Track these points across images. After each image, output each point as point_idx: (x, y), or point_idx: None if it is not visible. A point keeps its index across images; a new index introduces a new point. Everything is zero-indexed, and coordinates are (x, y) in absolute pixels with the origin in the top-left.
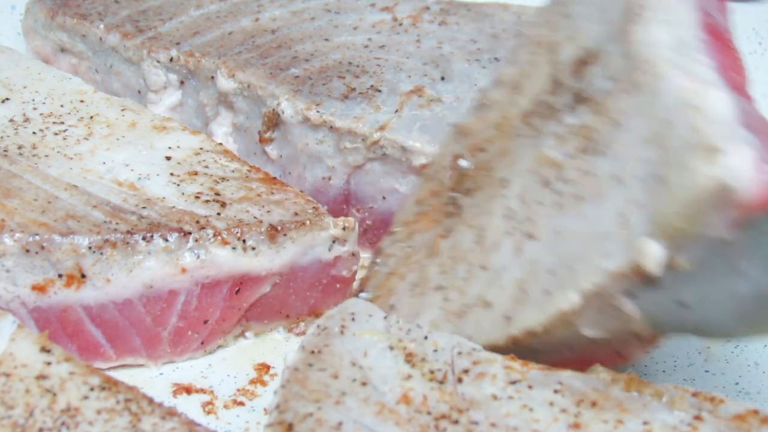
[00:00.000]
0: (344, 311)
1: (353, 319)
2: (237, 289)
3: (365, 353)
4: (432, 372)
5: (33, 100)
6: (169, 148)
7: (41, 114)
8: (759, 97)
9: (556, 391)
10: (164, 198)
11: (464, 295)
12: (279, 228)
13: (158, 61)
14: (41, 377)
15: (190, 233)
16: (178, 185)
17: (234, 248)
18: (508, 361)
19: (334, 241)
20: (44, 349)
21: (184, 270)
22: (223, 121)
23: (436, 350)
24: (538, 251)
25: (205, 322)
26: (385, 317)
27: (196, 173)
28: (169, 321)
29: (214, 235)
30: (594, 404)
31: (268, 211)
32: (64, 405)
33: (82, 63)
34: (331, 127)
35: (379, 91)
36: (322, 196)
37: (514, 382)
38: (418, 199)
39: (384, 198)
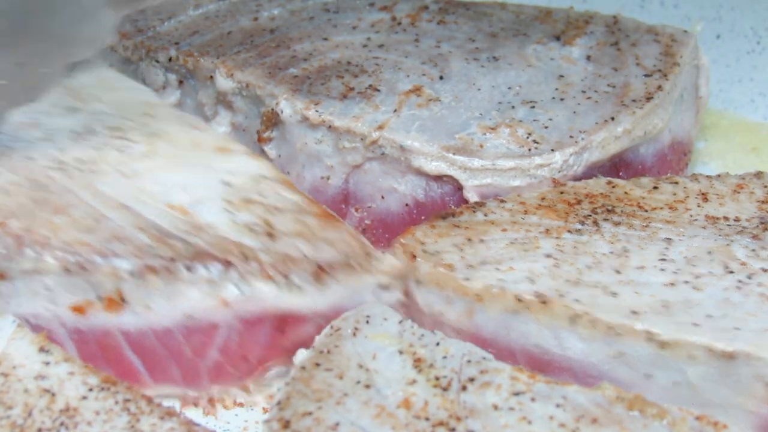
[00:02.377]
0: (360, 313)
1: (368, 322)
2: (280, 327)
3: (374, 356)
4: (437, 378)
5: (101, 111)
6: (229, 172)
7: (106, 127)
8: (757, 96)
9: (558, 405)
10: (214, 226)
11: (581, 274)
12: (325, 268)
13: (157, 61)
14: (40, 377)
15: (234, 265)
16: (231, 213)
17: (277, 284)
18: (516, 372)
19: (381, 287)
20: (43, 349)
21: (225, 302)
22: (222, 121)
23: (445, 357)
24: (701, 299)
25: (246, 359)
26: (400, 321)
27: (251, 201)
28: (208, 354)
29: (258, 270)
30: (594, 421)
31: (318, 249)
32: (63, 405)
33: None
34: (330, 126)
35: (378, 90)
36: (320, 196)
37: (517, 394)
38: (544, 197)
39: (383, 197)
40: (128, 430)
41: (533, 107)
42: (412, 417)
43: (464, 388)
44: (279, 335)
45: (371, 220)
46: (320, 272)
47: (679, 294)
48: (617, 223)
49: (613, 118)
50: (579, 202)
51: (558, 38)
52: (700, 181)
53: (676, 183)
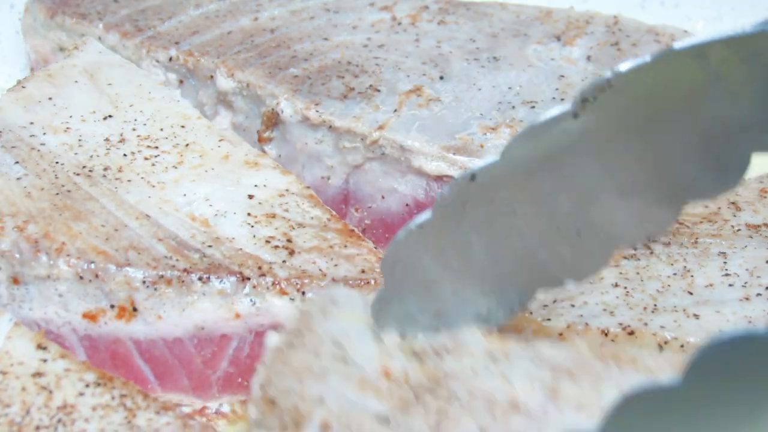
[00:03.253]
0: (326, 296)
1: (335, 303)
2: None
3: (347, 334)
4: (413, 351)
5: (135, 120)
6: (255, 186)
7: (138, 136)
8: None
9: (534, 363)
10: (233, 239)
11: (656, 300)
12: (341, 284)
13: (157, 61)
14: (37, 375)
15: (248, 279)
16: (252, 226)
17: (292, 299)
18: (488, 336)
19: None
20: (40, 347)
21: (238, 315)
22: (222, 121)
23: None
24: None
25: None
26: (366, 302)
27: (273, 216)
28: (219, 365)
29: (273, 284)
30: (571, 373)
31: (336, 265)
32: (60, 402)
33: None
34: (330, 126)
35: (378, 90)
36: (321, 196)
37: (493, 356)
38: None
39: (383, 197)
40: (125, 426)
41: (534, 107)
42: (394, 385)
43: (439, 355)
44: None
45: (371, 220)
46: None
47: (758, 307)
48: (667, 243)
49: None
50: None
51: (558, 38)
52: None
53: None
